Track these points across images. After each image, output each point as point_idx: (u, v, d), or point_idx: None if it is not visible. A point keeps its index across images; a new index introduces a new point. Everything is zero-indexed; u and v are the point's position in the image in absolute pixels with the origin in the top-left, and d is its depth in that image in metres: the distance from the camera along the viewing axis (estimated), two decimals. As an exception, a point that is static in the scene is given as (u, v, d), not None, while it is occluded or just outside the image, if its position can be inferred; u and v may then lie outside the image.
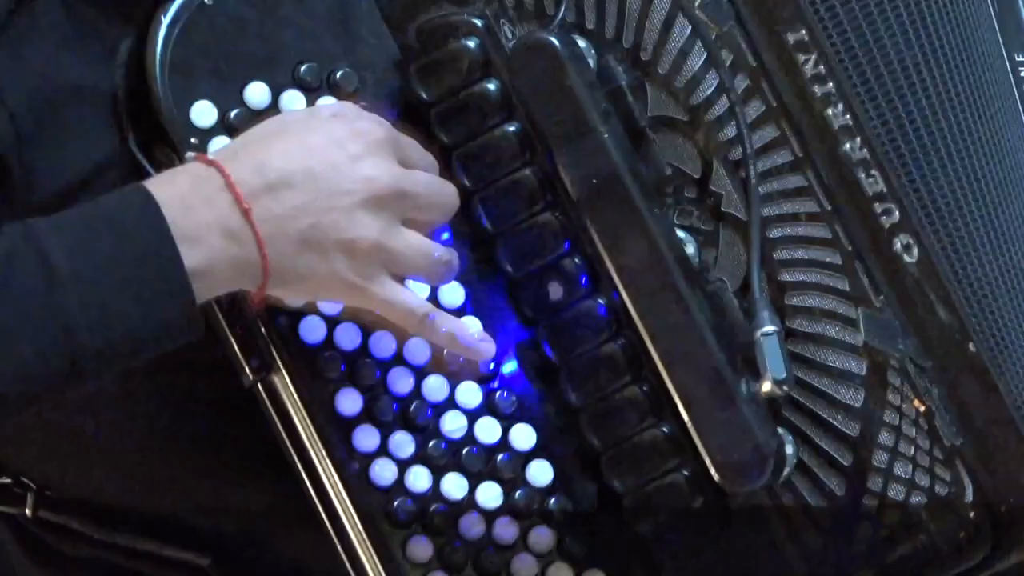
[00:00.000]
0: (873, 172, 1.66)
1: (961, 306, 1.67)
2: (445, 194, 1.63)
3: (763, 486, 1.61)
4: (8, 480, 1.94)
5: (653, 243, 1.62)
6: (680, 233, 1.66)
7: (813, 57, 1.66)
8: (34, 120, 1.68)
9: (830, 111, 1.65)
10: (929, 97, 1.73)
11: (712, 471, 1.60)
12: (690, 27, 1.64)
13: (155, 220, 1.47)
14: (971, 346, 1.65)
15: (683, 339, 1.61)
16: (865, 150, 1.65)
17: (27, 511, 1.93)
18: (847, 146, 1.64)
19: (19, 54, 1.70)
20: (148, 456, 1.91)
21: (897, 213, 1.67)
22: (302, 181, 1.52)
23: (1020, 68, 1.83)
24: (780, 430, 1.63)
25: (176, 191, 1.51)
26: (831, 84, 1.66)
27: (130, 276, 1.48)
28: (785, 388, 1.58)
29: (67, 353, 1.47)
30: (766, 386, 1.55)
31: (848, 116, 1.65)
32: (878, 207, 1.66)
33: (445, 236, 1.69)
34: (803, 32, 1.66)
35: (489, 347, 1.67)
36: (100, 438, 1.90)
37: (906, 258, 1.64)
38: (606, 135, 1.61)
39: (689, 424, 1.60)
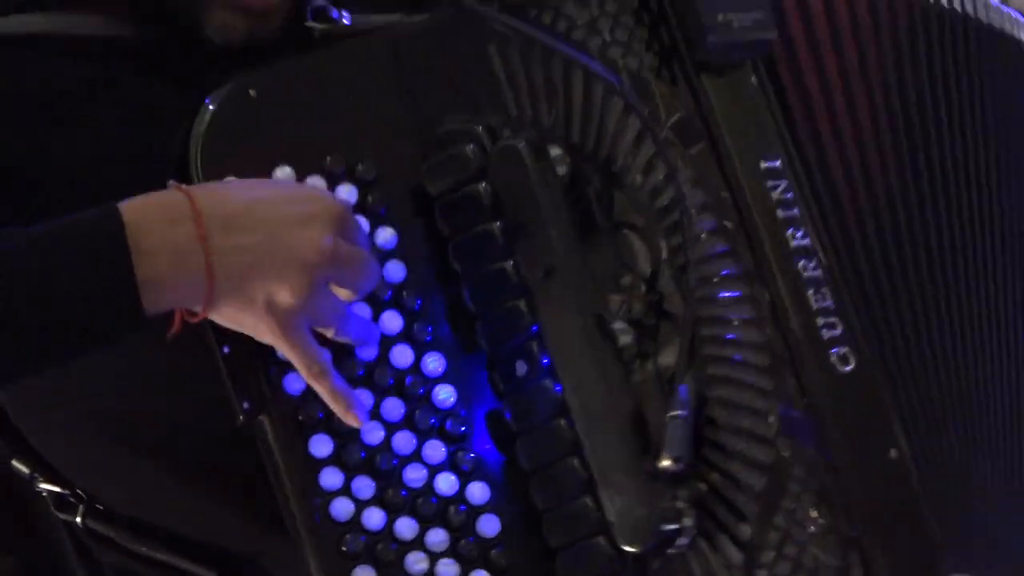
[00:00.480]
0: (824, 290, 1.76)
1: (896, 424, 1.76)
2: (369, 271, 1.71)
3: (659, 548, 1.70)
4: (66, 491, 2.02)
5: (582, 332, 1.72)
6: (619, 324, 1.75)
7: (783, 184, 1.77)
8: (90, 180, 1.78)
9: (789, 232, 1.76)
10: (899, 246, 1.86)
11: (614, 533, 1.69)
12: (655, 147, 1.74)
13: (116, 229, 1.56)
14: (892, 453, 1.74)
15: (600, 417, 1.71)
16: (819, 271, 1.76)
17: (78, 519, 2.02)
18: (800, 264, 1.75)
19: (85, 118, 1.84)
20: (161, 476, 2.01)
21: (840, 328, 1.76)
22: (256, 227, 1.62)
23: None
24: (680, 503, 1.69)
25: (144, 209, 1.60)
26: (796, 209, 1.77)
27: (82, 270, 1.57)
28: (680, 464, 1.66)
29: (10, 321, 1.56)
30: (664, 462, 1.64)
31: (807, 239, 1.76)
32: (823, 324, 1.75)
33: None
34: (778, 161, 1.78)
35: (356, 417, 1.72)
36: (128, 457, 2.01)
37: (840, 367, 1.74)
38: (553, 232, 1.71)
39: (600, 491, 1.69)
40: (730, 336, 1.75)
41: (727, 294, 1.75)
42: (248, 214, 1.61)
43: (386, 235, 1.74)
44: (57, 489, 2.03)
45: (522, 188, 1.71)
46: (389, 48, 1.78)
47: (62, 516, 2.02)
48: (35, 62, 1.81)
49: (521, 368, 1.73)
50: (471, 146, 1.73)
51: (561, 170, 1.74)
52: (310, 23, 1.84)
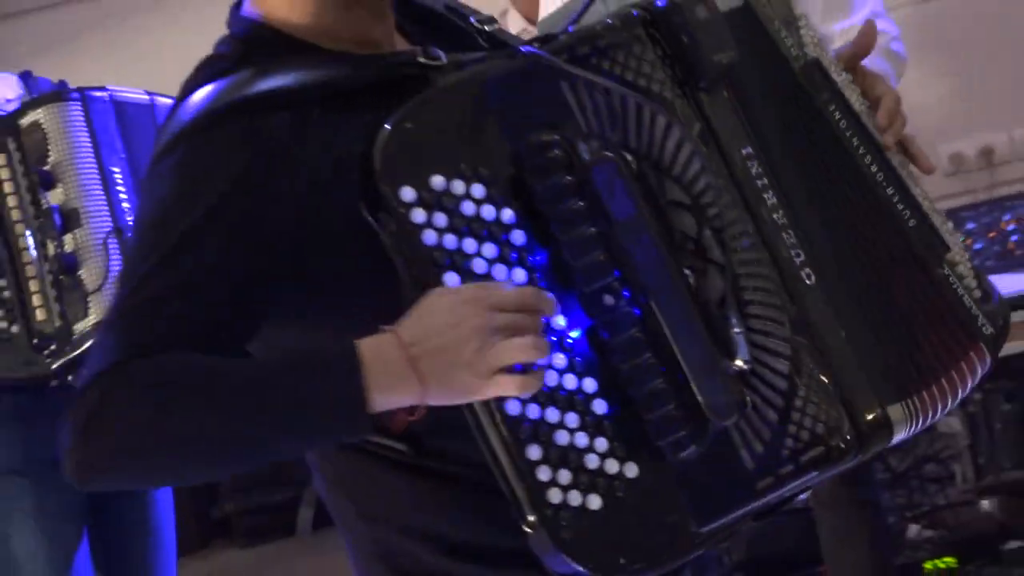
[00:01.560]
0: (789, 231, 2.18)
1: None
2: (532, 315, 1.85)
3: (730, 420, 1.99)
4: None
5: (666, 270, 2.00)
6: (686, 270, 2.04)
7: (754, 164, 2.18)
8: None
9: (765, 197, 2.19)
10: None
11: (703, 408, 1.94)
12: (692, 148, 2.07)
13: (351, 364, 1.78)
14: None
15: (686, 329, 1.97)
16: (785, 220, 2.19)
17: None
18: (774, 216, 2.18)
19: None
20: None
21: (803, 255, 2.17)
22: (441, 346, 1.80)
23: None
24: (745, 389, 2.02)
25: (372, 343, 1.81)
26: (764, 180, 2.19)
27: (329, 407, 1.83)
28: (747, 365, 2.01)
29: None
30: (738, 362, 2.00)
31: (774, 199, 2.20)
32: (794, 253, 2.17)
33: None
34: (749, 148, 2.19)
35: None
36: None
37: (807, 281, 2.17)
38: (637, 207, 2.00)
39: (689, 377, 1.94)
40: (753, 272, 2.10)
41: (746, 243, 2.11)
42: (432, 332, 1.81)
43: (507, 214, 1.92)
44: None
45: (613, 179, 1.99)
46: (489, 84, 1.99)
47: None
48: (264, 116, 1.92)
49: (608, 300, 1.94)
50: (559, 151, 1.95)
51: (632, 168, 2.02)
52: (422, 59, 2.03)
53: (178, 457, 1.84)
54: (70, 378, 3.69)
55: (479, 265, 1.88)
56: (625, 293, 1.96)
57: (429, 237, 1.84)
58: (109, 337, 1.83)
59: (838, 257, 2.23)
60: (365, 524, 2.13)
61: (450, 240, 1.86)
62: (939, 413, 2.24)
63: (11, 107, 3.80)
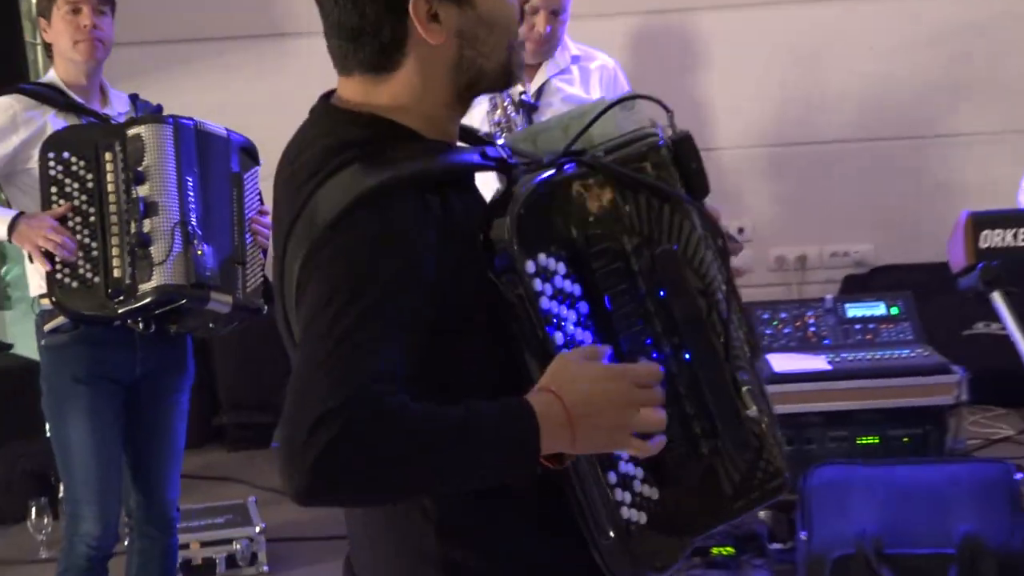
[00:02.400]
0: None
1: None
2: (656, 415, 1.78)
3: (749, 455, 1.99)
4: None
5: (706, 339, 1.96)
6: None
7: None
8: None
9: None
10: None
11: (726, 445, 1.94)
12: (704, 245, 1.99)
13: (532, 420, 1.69)
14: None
15: (716, 383, 1.95)
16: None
17: None
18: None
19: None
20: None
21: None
22: (594, 411, 1.73)
23: None
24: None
25: (541, 402, 1.71)
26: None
27: (515, 438, 1.73)
28: (759, 414, 1.98)
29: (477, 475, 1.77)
30: (750, 410, 1.94)
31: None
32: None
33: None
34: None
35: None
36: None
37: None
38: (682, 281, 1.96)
39: (716, 420, 1.93)
40: (739, 347, 2.03)
41: (734, 314, 2.02)
42: (587, 399, 1.73)
43: (577, 289, 1.86)
44: None
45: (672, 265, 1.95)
46: (558, 190, 1.88)
47: None
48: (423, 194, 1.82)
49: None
50: (610, 243, 1.89)
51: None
52: (505, 157, 1.97)
53: (396, 492, 1.79)
54: (128, 321, 3.74)
55: (569, 328, 1.84)
56: (655, 355, 1.90)
57: (544, 303, 1.79)
58: (332, 372, 1.66)
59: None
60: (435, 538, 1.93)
61: (555, 306, 1.81)
62: None
63: (122, 119, 3.85)
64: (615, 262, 1.90)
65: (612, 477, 1.82)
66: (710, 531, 2.06)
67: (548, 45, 4.13)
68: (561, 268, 1.84)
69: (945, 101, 6.59)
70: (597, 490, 1.82)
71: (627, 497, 1.84)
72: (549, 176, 1.88)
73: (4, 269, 7.23)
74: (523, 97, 4.04)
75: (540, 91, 4.12)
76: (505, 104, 3.96)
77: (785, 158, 6.67)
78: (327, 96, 1.98)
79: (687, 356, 1.94)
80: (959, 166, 6.60)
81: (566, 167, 1.90)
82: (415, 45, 1.86)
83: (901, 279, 6.28)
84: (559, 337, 1.81)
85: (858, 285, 6.48)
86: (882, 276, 6.50)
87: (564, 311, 1.84)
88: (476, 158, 1.94)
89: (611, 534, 1.83)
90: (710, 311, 1.98)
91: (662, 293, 1.93)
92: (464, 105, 1.98)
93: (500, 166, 1.95)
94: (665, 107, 2.03)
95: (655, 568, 1.90)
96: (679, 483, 1.91)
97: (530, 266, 1.79)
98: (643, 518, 1.85)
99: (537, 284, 1.80)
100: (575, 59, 4.17)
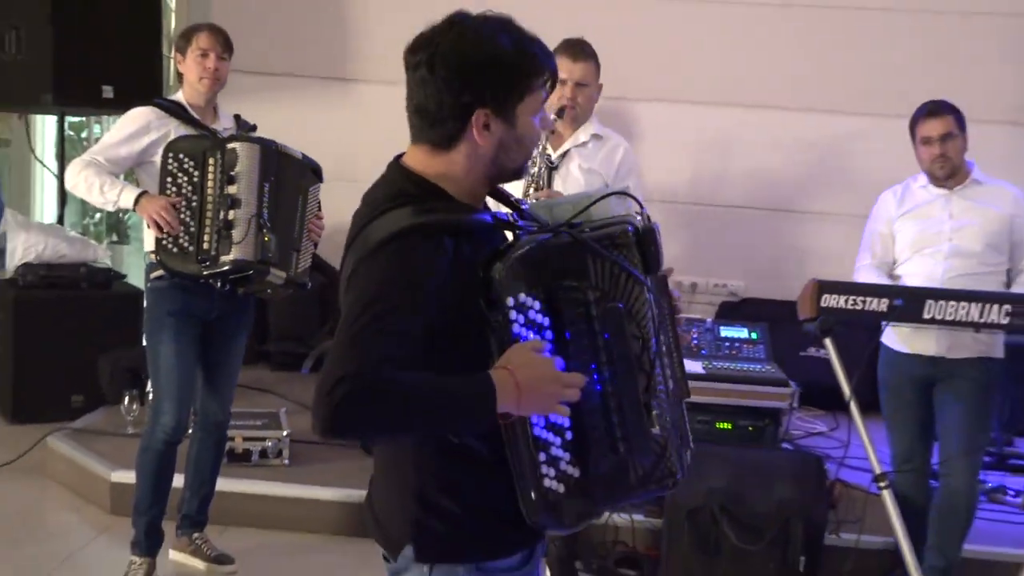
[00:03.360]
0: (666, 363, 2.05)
1: None
2: (572, 396, 1.84)
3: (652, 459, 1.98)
4: None
5: (631, 373, 1.95)
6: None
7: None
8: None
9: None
10: None
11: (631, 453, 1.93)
12: (647, 308, 1.97)
13: (490, 387, 1.77)
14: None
15: (635, 406, 1.95)
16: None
17: None
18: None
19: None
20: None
21: (670, 380, 2.05)
22: (534, 387, 1.78)
23: None
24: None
25: (499, 375, 1.79)
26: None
27: (474, 410, 1.81)
28: (661, 433, 1.98)
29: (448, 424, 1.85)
30: (656, 430, 1.96)
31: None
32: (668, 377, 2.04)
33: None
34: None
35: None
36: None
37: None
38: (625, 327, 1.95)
39: (629, 433, 1.93)
40: (661, 383, 2.01)
41: (658, 368, 2.00)
42: (530, 380, 1.80)
43: (546, 322, 1.88)
44: None
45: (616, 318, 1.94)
46: (550, 249, 1.91)
47: None
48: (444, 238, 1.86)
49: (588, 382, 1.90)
50: (578, 294, 1.91)
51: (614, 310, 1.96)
52: (513, 220, 2.02)
53: (388, 434, 1.88)
54: (215, 282, 3.76)
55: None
56: (595, 376, 1.91)
57: (516, 329, 1.83)
58: (350, 351, 1.75)
59: (676, 375, 2.09)
60: (434, 459, 1.97)
61: (524, 331, 1.84)
62: None
63: (226, 134, 3.83)
64: (579, 307, 1.91)
65: (543, 456, 1.85)
66: (614, 507, 2.09)
67: (574, 112, 3.97)
68: (536, 305, 1.86)
69: (810, 187, 6.59)
70: (530, 465, 1.85)
71: (551, 472, 1.86)
72: (544, 239, 1.91)
73: (127, 214, 7.23)
74: (548, 157, 3.90)
75: (563, 156, 3.98)
76: (538, 162, 3.83)
77: (693, 212, 6.60)
78: (399, 156, 2.02)
79: (616, 383, 1.94)
80: (813, 233, 6.60)
81: (561, 235, 1.93)
82: (468, 140, 1.91)
83: (760, 309, 6.27)
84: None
85: (730, 310, 6.46)
86: (748, 306, 6.47)
87: (531, 335, 1.86)
88: (487, 219, 1.96)
89: (533, 496, 1.86)
90: (642, 354, 1.96)
91: (607, 336, 1.92)
92: (491, 185, 2.02)
93: (503, 225, 1.98)
94: (640, 204, 2.07)
95: (564, 525, 1.95)
96: (597, 469, 1.91)
97: (510, 301, 1.83)
98: (561, 488, 1.86)
99: (513, 314, 1.84)
100: (595, 137, 4.03)
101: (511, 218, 2.03)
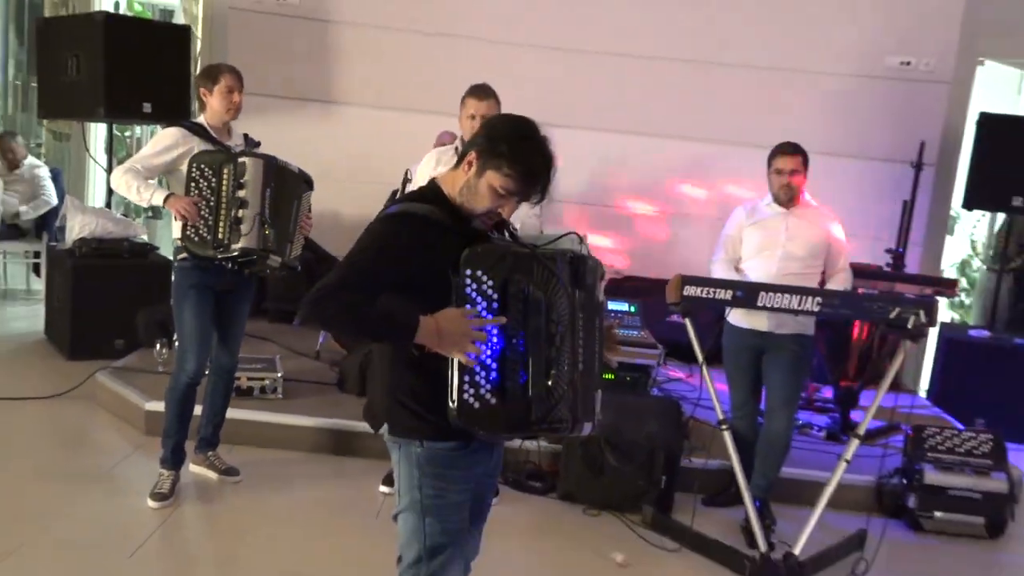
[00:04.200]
0: (580, 343, 2.08)
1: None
2: (472, 348, 1.93)
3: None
4: None
5: (542, 339, 2.01)
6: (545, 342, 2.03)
7: (580, 317, 2.09)
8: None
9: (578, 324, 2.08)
10: None
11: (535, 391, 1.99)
12: (567, 305, 2.05)
13: (415, 323, 1.93)
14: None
15: (542, 361, 2.01)
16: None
17: None
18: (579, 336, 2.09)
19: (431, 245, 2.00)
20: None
21: (583, 356, 2.08)
22: (448, 330, 1.92)
23: None
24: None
25: (426, 325, 1.93)
26: (580, 321, 2.08)
27: (401, 332, 1.95)
28: (553, 382, 2.02)
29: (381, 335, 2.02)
30: (550, 383, 2.01)
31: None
32: (581, 353, 2.08)
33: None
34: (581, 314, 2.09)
35: (470, 359, 1.94)
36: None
37: (579, 366, 2.08)
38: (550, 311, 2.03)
39: (533, 378, 1.99)
40: (564, 353, 2.05)
41: (566, 344, 2.06)
42: (448, 335, 1.93)
43: (495, 296, 1.98)
44: None
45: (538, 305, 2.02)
46: (508, 254, 2.02)
47: None
48: (420, 223, 2.02)
49: (516, 341, 1.99)
50: (522, 286, 2.00)
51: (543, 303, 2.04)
52: (487, 232, 2.12)
53: (349, 330, 2.21)
54: (227, 263, 3.66)
55: (481, 312, 1.97)
56: (522, 340, 1.99)
57: (468, 291, 1.96)
58: (336, 275, 1.94)
59: (587, 360, 2.10)
60: (403, 369, 2.08)
61: (474, 295, 1.96)
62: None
63: (237, 150, 3.72)
64: (519, 293, 1.99)
65: (467, 379, 1.96)
66: (520, 435, 2.21)
67: None
68: (490, 282, 1.98)
69: (676, 194, 6.60)
70: (458, 383, 1.96)
71: (472, 392, 1.96)
72: (507, 244, 2.08)
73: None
74: None
75: None
76: None
77: (589, 210, 6.56)
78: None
79: (531, 347, 2.00)
80: (678, 228, 6.59)
81: (522, 247, 2.06)
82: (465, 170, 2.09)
83: (638, 284, 6.29)
84: (472, 311, 1.97)
85: (616, 285, 6.39)
86: (630, 281, 6.43)
87: (480, 300, 1.97)
88: (468, 224, 2.09)
89: (452, 404, 1.97)
90: (553, 334, 2.03)
91: (531, 315, 2.01)
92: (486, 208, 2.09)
93: (484, 235, 2.10)
94: (582, 240, 2.28)
95: (472, 428, 2.00)
96: (508, 402, 1.98)
97: (468, 271, 1.97)
98: (477, 405, 1.96)
99: (468, 280, 1.96)
100: None
101: (494, 232, 2.15)
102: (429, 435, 2.07)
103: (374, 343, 2.12)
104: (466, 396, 1.94)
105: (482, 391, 1.95)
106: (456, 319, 1.93)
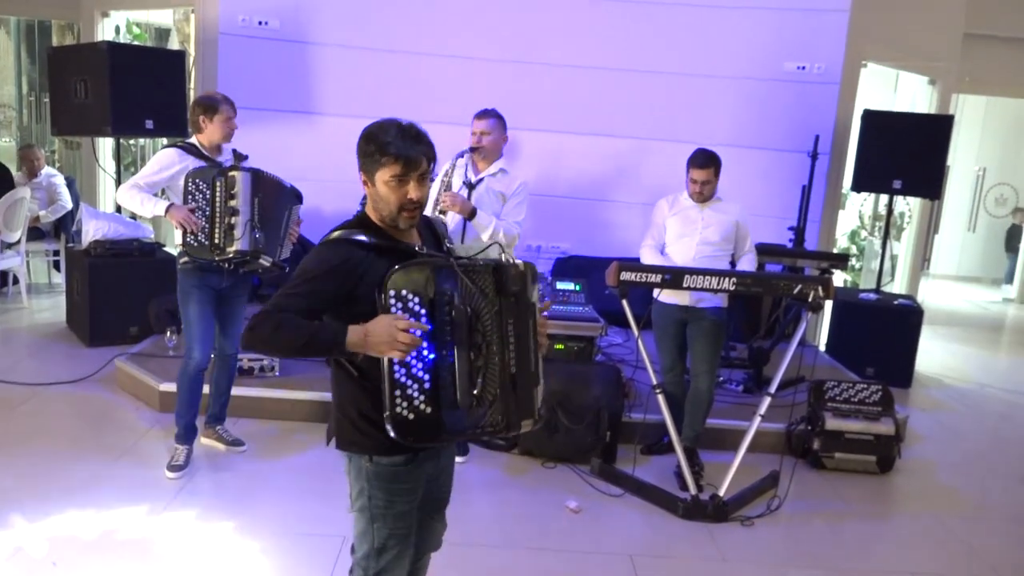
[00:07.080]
0: (511, 347, 1.84)
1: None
2: (411, 343, 1.72)
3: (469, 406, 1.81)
4: None
5: (467, 348, 1.80)
6: (472, 351, 1.82)
7: (509, 323, 1.86)
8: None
9: (508, 330, 1.85)
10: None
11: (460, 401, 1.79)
12: (489, 312, 1.84)
13: (343, 333, 1.74)
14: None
15: (467, 369, 1.80)
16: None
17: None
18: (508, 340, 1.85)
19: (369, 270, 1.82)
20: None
21: (514, 359, 1.84)
22: (377, 336, 1.71)
23: None
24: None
25: (354, 331, 1.74)
26: (509, 327, 1.85)
27: (331, 342, 1.74)
28: (479, 391, 1.81)
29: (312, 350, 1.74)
30: (476, 391, 1.81)
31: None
32: (510, 357, 1.84)
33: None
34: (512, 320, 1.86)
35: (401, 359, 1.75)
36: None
37: (511, 370, 1.85)
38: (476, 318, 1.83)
39: (459, 386, 1.79)
40: (492, 359, 1.83)
41: (494, 348, 1.84)
42: (375, 336, 1.72)
43: (422, 312, 1.79)
44: None
45: (463, 318, 1.82)
46: (435, 269, 1.82)
47: None
48: (355, 247, 1.84)
49: (444, 350, 1.80)
50: (448, 297, 1.81)
51: (468, 312, 1.83)
52: (418, 248, 1.92)
53: (282, 346, 1.74)
54: (224, 264, 3.54)
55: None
56: (450, 349, 1.79)
57: (392, 310, 1.75)
58: (276, 300, 1.77)
59: (522, 361, 1.86)
60: (350, 386, 1.92)
61: (404, 316, 1.76)
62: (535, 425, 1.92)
63: (228, 164, 3.59)
64: (446, 306, 1.80)
65: (398, 392, 1.76)
66: (452, 441, 1.93)
67: (482, 152, 3.73)
68: (416, 299, 1.79)
69: (613, 185, 6.52)
70: (389, 396, 1.76)
71: (405, 404, 1.77)
72: (433, 260, 1.85)
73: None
74: (470, 180, 3.72)
75: (480, 180, 3.74)
76: (463, 181, 3.69)
77: (541, 200, 6.38)
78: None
79: (460, 356, 1.81)
80: (614, 213, 6.52)
81: (446, 262, 1.85)
82: (367, 190, 1.93)
83: (581, 263, 6.27)
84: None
85: (562, 264, 6.34)
86: (574, 260, 6.37)
87: (408, 318, 1.75)
88: (393, 245, 1.90)
89: (385, 414, 1.77)
90: (480, 342, 1.83)
91: (458, 325, 1.81)
92: (387, 223, 1.92)
93: (411, 252, 1.90)
94: (512, 258, 1.93)
95: (405, 440, 1.79)
96: (440, 409, 1.79)
97: (392, 292, 1.77)
98: (411, 415, 1.77)
99: (392, 300, 1.77)
100: (501, 170, 3.79)
101: (421, 248, 1.94)
102: (376, 450, 1.90)
103: (313, 357, 1.85)
104: (398, 408, 1.76)
105: (416, 402, 1.77)
106: (382, 320, 1.75)
